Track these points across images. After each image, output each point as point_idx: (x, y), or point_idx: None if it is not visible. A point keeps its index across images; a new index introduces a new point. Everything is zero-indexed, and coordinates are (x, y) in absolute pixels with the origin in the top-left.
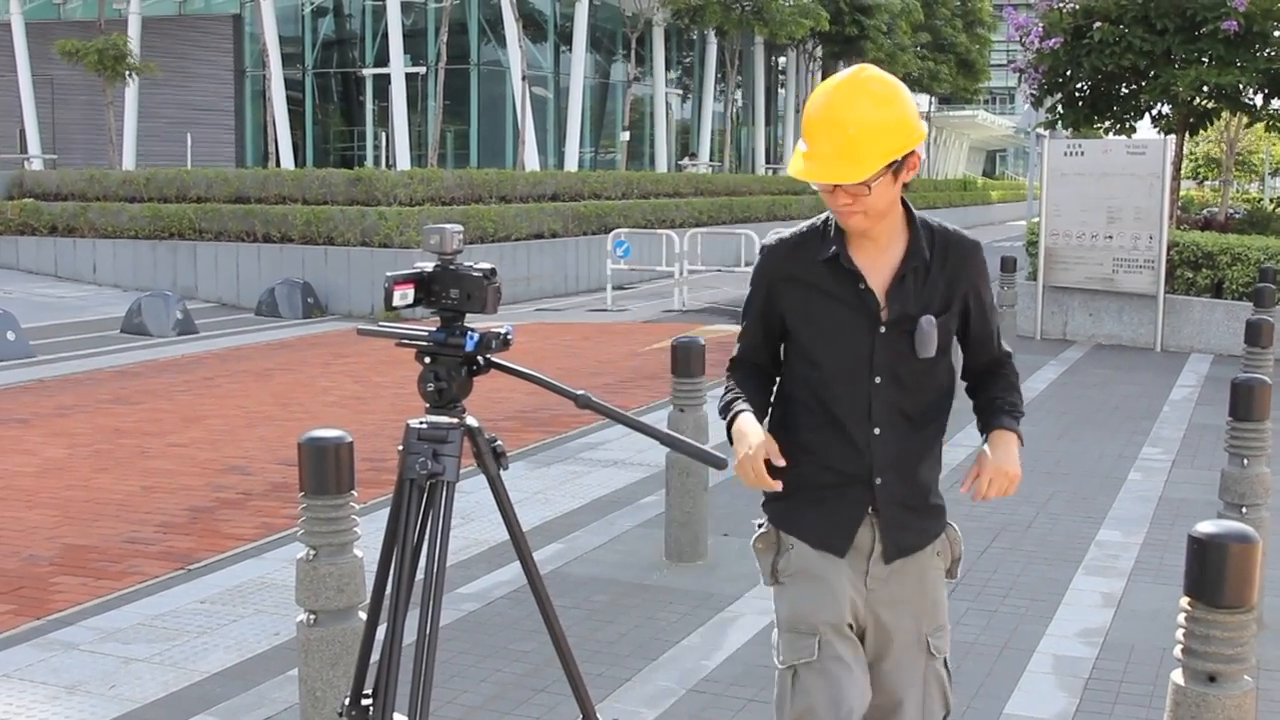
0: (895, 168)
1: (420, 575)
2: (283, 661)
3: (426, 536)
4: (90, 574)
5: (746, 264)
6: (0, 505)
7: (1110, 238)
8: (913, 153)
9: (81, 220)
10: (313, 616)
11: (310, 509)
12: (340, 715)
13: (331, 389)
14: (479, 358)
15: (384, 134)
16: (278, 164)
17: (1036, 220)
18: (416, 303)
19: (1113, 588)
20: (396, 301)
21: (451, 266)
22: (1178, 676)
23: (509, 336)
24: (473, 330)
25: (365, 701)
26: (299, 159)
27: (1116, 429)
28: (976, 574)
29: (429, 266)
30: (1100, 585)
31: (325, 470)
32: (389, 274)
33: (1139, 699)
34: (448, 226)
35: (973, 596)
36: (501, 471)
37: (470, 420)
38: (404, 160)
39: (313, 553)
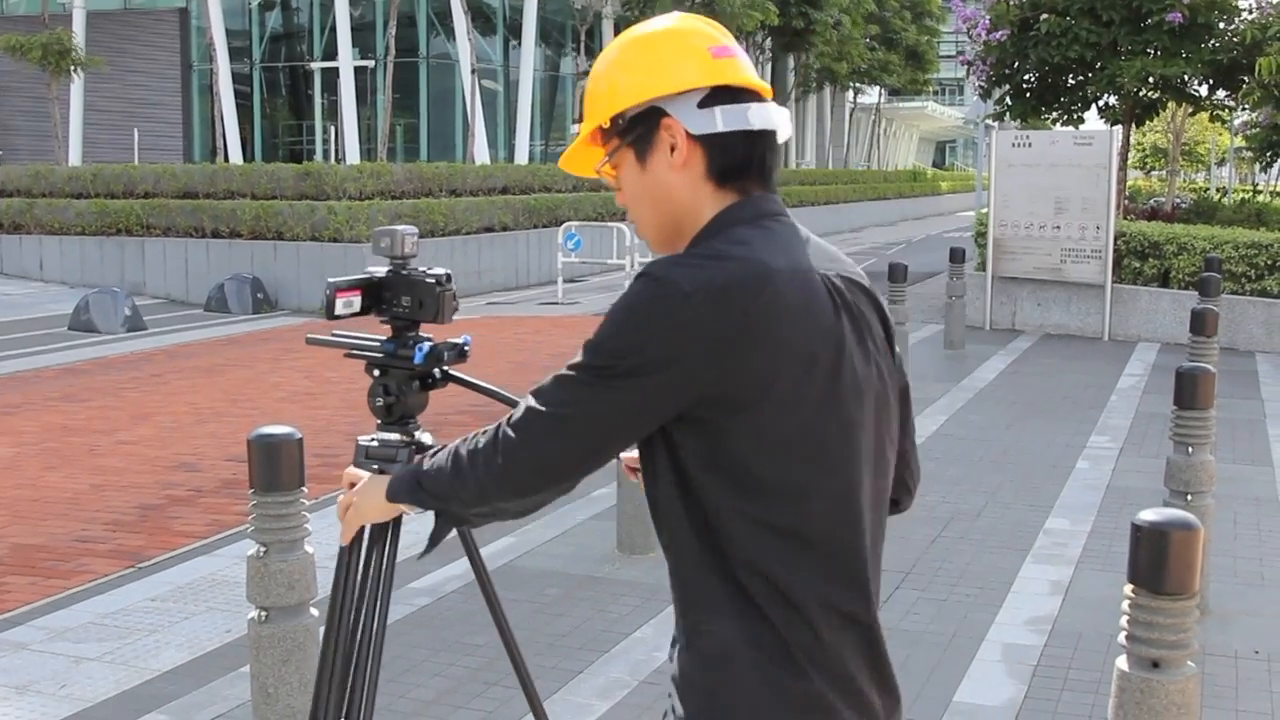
0: (637, 146)
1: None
2: (235, 659)
3: (373, 563)
4: (40, 573)
5: None
6: None
7: (1058, 228)
8: (656, 126)
9: (27, 217)
10: (264, 613)
11: (260, 505)
12: None
13: (282, 385)
14: (434, 370)
15: (333, 128)
16: (226, 159)
17: (985, 211)
18: (364, 311)
19: (1061, 575)
20: (340, 310)
21: (404, 272)
22: (1122, 663)
23: (466, 348)
24: (424, 341)
25: None
26: (247, 154)
27: (1065, 418)
28: (926, 563)
29: (380, 271)
30: (1049, 573)
31: (276, 467)
32: (331, 280)
33: (1087, 685)
34: (400, 228)
35: (922, 586)
36: None
37: (424, 437)
38: (353, 154)
39: (263, 549)
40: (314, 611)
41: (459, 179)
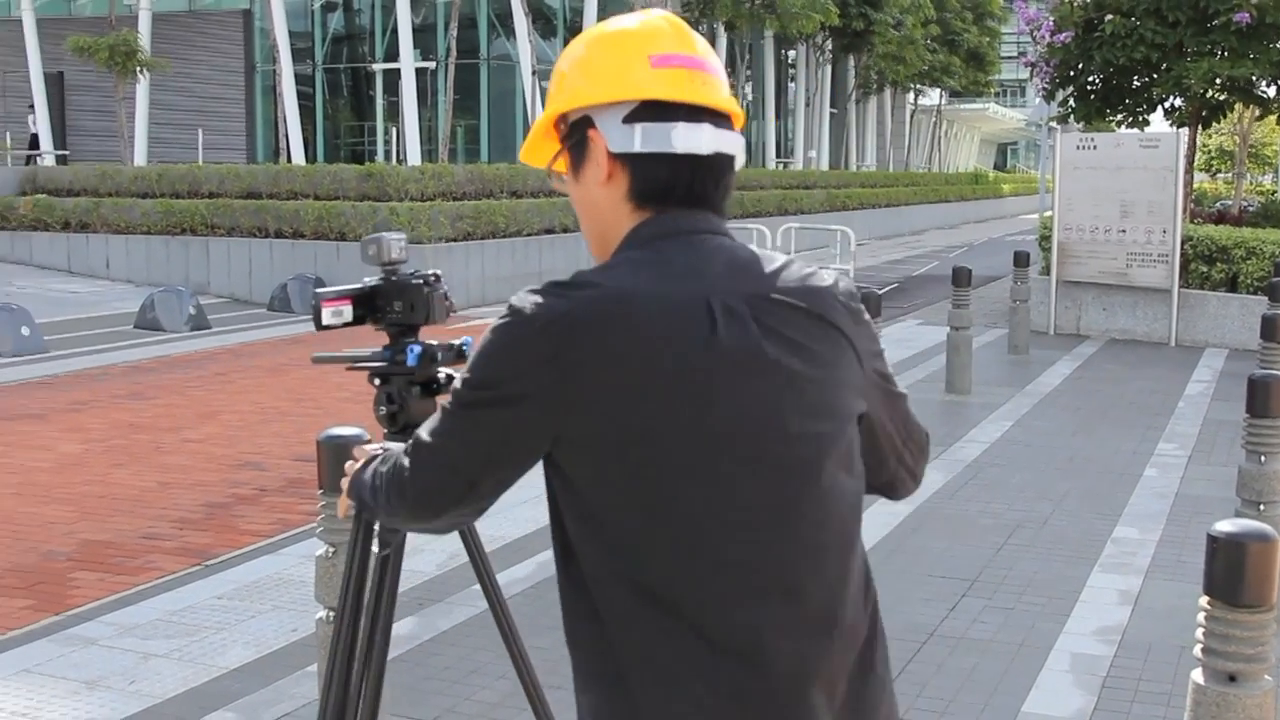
0: (572, 154)
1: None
2: (300, 658)
3: (380, 577)
4: (108, 569)
5: None
6: (18, 500)
7: (1124, 232)
8: (584, 136)
9: (94, 216)
10: (332, 613)
11: (329, 506)
12: None
13: (345, 384)
14: (438, 374)
15: (394, 129)
16: (289, 159)
17: (1049, 214)
18: (358, 320)
19: (1130, 585)
20: (328, 320)
21: (394, 278)
22: (1198, 676)
23: (464, 349)
24: (415, 345)
25: None
26: (310, 154)
27: (1132, 424)
28: (992, 571)
29: (372, 280)
30: (1117, 582)
31: (344, 468)
32: (318, 290)
33: (1157, 698)
34: (386, 235)
35: (989, 594)
36: None
37: None
38: (414, 155)
39: (331, 550)
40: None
41: (520, 180)
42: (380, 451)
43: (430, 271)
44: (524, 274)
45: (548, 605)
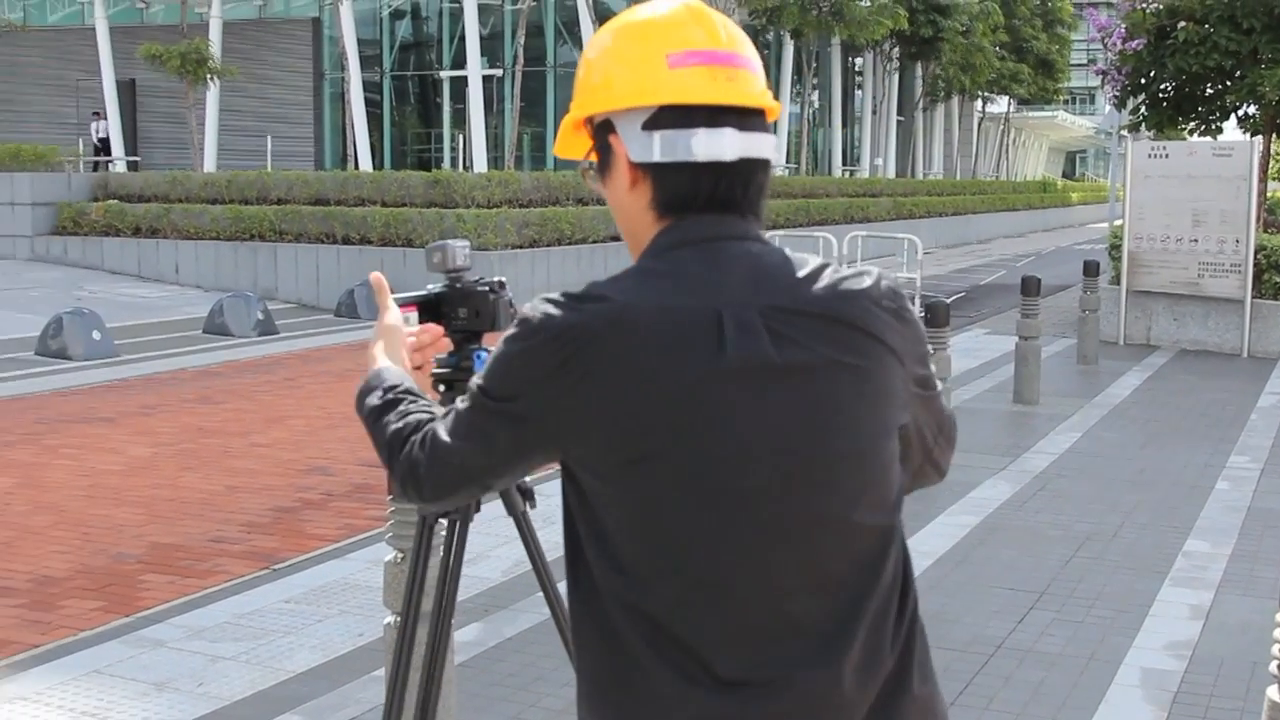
0: (600, 157)
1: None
2: (367, 662)
3: (441, 573)
4: (177, 572)
5: None
6: (89, 503)
7: (1195, 241)
8: (607, 143)
9: (164, 222)
10: (399, 619)
11: (399, 512)
12: None
13: None
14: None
15: (461, 136)
16: (356, 166)
17: (1119, 223)
18: None
19: (1201, 599)
20: None
21: (459, 284)
22: (1273, 693)
23: None
24: (482, 351)
25: None
26: (377, 161)
27: (1203, 436)
28: (1061, 584)
29: (436, 287)
30: (1188, 597)
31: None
32: (392, 297)
33: (1229, 714)
34: (450, 242)
35: (1057, 607)
36: (529, 509)
37: None
38: (481, 162)
39: (400, 555)
40: (451, 621)
41: (585, 187)
42: (403, 387)
43: (495, 279)
44: (589, 280)
45: None
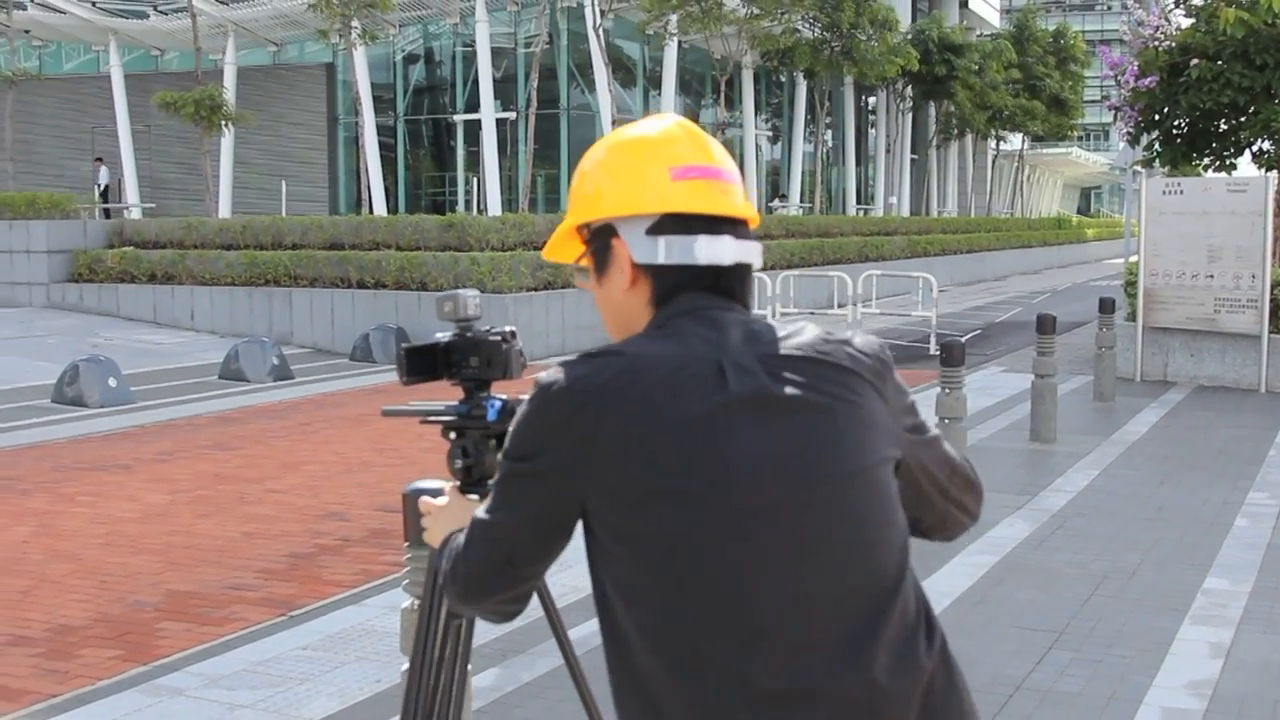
0: (596, 259)
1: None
2: (385, 708)
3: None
4: (194, 620)
5: (839, 306)
6: (106, 551)
7: (1211, 277)
8: (607, 245)
9: (179, 268)
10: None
11: (416, 559)
12: None
13: (426, 434)
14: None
15: (475, 179)
16: (371, 210)
17: (1135, 259)
18: (434, 376)
19: (1221, 638)
20: (413, 373)
21: (469, 333)
22: None
23: None
24: (494, 399)
25: None
26: (391, 205)
27: (1221, 473)
28: (1080, 623)
29: (446, 336)
30: (1208, 635)
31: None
32: (403, 345)
33: None
34: (461, 292)
35: (1076, 646)
36: None
37: None
38: (495, 205)
39: (416, 601)
40: (468, 667)
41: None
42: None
43: (507, 328)
44: (603, 324)
45: None
